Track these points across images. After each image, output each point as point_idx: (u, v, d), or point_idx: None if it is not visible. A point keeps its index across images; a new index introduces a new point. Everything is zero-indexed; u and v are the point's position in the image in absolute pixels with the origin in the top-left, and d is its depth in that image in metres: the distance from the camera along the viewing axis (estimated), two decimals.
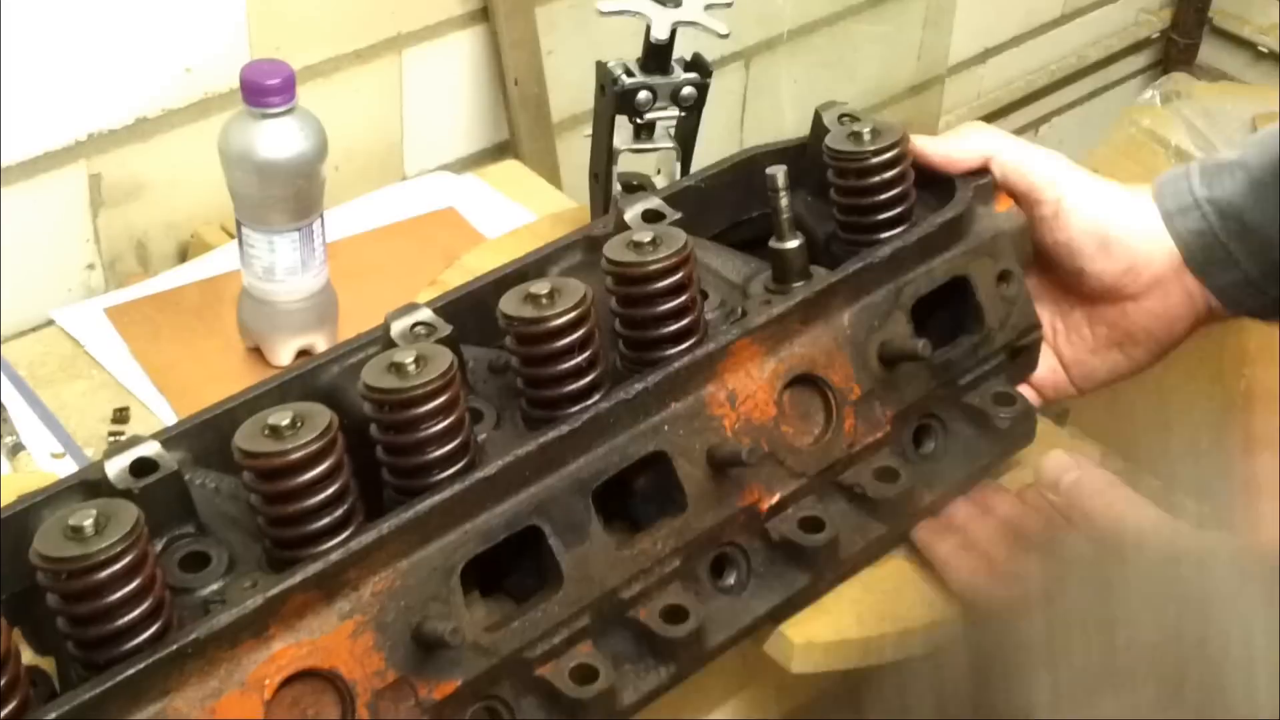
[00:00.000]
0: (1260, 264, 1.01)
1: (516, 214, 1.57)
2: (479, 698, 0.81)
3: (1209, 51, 2.68)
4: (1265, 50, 2.57)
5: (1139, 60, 2.72)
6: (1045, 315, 1.06)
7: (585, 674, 0.83)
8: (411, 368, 0.81)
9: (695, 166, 1.30)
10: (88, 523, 0.72)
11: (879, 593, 0.95)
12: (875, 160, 0.97)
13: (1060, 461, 0.94)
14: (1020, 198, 1.03)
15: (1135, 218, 1.02)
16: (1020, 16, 2.44)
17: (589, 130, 1.31)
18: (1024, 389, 1.04)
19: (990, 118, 2.47)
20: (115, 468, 0.80)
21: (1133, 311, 1.04)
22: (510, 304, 0.87)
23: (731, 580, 0.90)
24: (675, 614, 0.86)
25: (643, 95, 1.22)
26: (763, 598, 0.90)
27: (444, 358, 0.82)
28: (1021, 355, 1.02)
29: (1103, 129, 2.25)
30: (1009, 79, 2.48)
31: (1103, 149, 2.17)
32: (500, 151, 1.77)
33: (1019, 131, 2.54)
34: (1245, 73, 2.58)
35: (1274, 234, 0.99)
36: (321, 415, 0.78)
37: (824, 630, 0.93)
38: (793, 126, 2.21)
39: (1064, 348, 1.08)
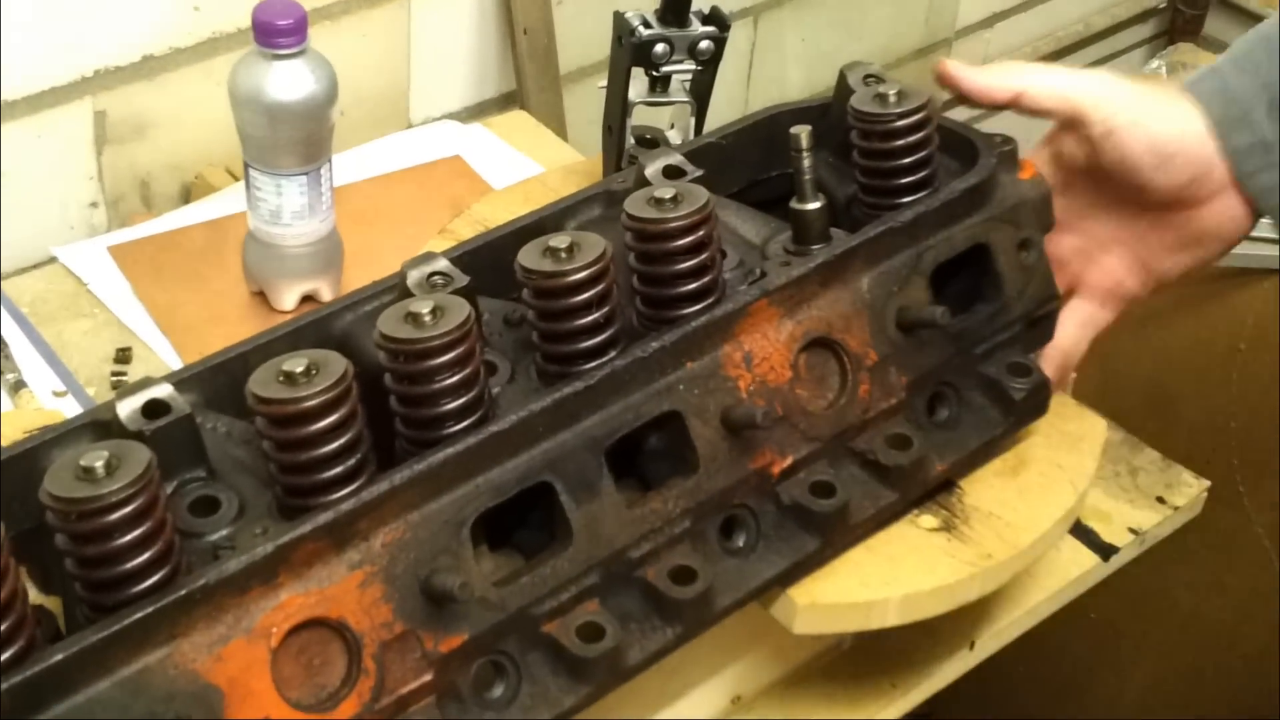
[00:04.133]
0: None
1: (523, 165, 1.56)
2: (485, 652, 0.80)
3: (1215, 23, 2.66)
4: None
5: (1145, 29, 2.71)
6: (1110, 225, 1.05)
7: (592, 632, 0.82)
8: (428, 318, 0.80)
9: (703, 125, 1.29)
10: (99, 464, 0.71)
11: (883, 556, 0.95)
12: (901, 123, 0.96)
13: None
14: (1066, 121, 1.03)
15: (1189, 129, 1.01)
16: None
17: (597, 83, 1.29)
18: (1089, 306, 1.05)
19: None
20: (127, 409, 0.79)
21: (1198, 216, 1.03)
22: (529, 257, 0.86)
23: (741, 542, 0.90)
24: (684, 575, 0.85)
25: (660, 48, 1.21)
26: (771, 561, 0.89)
27: (461, 309, 0.81)
28: (1039, 325, 1.01)
29: None
30: (1015, 44, 2.46)
31: None
32: (507, 101, 1.76)
33: None
34: None
35: None
36: (337, 363, 0.77)
37: (827, 592, 0.92)
38: (798, 85, 2.20)
39: (1133, 251, 1.06)
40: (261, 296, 1.33)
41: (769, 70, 2.11)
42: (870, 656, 1.08)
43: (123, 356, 1.25)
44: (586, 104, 1.77)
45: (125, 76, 1.44)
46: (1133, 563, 1.23)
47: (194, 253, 1.38)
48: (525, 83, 1.73)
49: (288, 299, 1.31)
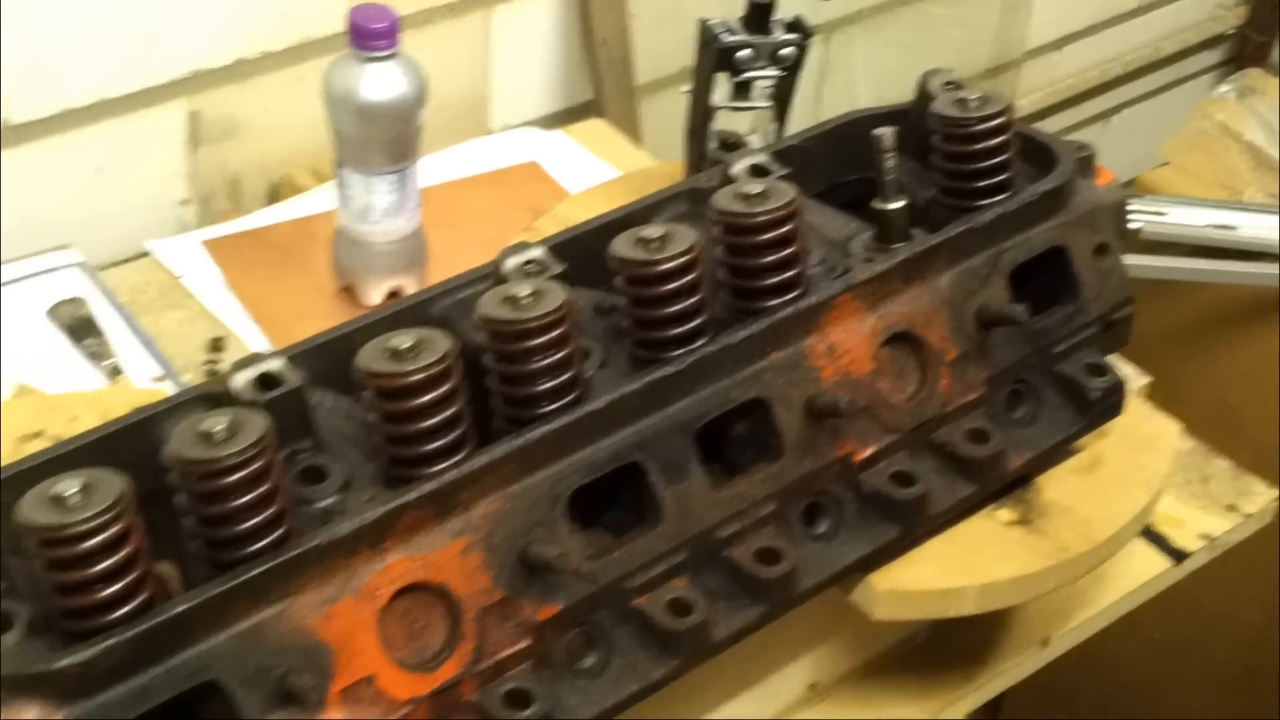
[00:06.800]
0: None
1: (600, 170, 1.59)
2: (578, 623, 0.83)
3: None
4: None
5: (1213, 56, 2.72)
6: None
7: (681, 607, 0.85)
8: (527, 300, 0.84)
9: (784, 131, 1.32)
10: (219, 428, 0.75)
11: (962, 547, 0.97)
12: (981, 127, 0.99)
13: None
14: None
15: None
16: (1098, 5, 2.45)
17: (674, 92, 1.32)
18: None
19: (1064, 105, 2.48)
20: (241, 380, 0.83)
21: None
22: (622, 246, 0.89)
23: (823, 528, 0.92)
24: (769, 555, 0.88)
25: (743, 53, 1.24)
26: (852, 547, 0.92)
27: (558, 294, 0.84)
28: (1114, 328, 1.04)
29: (1175, 122, 2.26)
30: (1084, 67, 2.48)
31: (1175, 140, 2.18)
32: (583, 111, 1.80)
33: (1091, 121, 2.56)
34: None
35: None
36: (441, 340, 0.81)
37: (907, 579, 0.95)
38: (867, 103, 2.21)
39: None
40: (348, 292, 1.36)
41: (839, 87, 2.13)
42: (945, 650, 1.10)
43: (217, 345, 1.29)
44: (662, 114, 1.80)
45: (218, 79, 1.48)
46: (1198, 580, 1.24)
47: (283, 249, 1.42)
48: (602, 93, 1.77)
49: (374, 294, 1.35)
